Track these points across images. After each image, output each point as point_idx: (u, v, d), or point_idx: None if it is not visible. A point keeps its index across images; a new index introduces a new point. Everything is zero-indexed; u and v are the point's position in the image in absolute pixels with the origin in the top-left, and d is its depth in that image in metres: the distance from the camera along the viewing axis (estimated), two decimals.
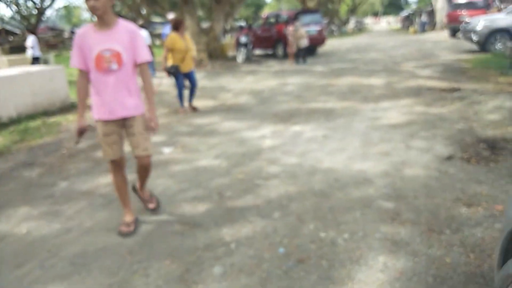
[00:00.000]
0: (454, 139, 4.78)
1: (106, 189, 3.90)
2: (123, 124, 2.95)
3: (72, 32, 48.68)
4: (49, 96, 7.80)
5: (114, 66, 2.77)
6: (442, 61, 12.32)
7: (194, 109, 7.31)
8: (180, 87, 7.04)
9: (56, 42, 36.30)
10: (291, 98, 8.10)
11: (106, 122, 2.89)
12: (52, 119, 7.11)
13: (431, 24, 31.61)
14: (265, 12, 33.12)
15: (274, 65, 14.65)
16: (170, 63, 6.83)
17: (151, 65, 12.31)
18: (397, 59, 13.71)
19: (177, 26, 6.83)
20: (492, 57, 12.00)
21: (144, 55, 2.88)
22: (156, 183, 3.92)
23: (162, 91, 9.77)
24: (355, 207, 3.21)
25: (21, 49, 26.25)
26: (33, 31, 14.91)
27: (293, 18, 16.40)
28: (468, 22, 14.95)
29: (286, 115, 6.58)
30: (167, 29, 9.75)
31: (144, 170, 3.15)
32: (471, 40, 14.21)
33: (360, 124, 5.68)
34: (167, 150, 4.97)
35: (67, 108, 7.98)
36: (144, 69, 2.92)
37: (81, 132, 2.97)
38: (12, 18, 48.06)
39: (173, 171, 4.27)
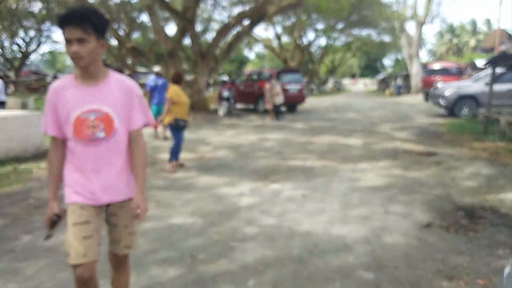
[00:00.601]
0: (432, 205, 4.76)
1: None
2: (104, 210, 2.21)
3: (55, 77, 48.83)
4: (23, 142, 7.56)
5: (100, 133, 2.03)
6: (417, 124, 12.70)
7: (181, 166, 6.89)
8: (179, 142, 6.61)
9: (38, 86, 36.48)
10: (271, 154, 8.09)
11: (82, 205, 2.08)
12: (24, 166, 6.82)
13: (406, 88, 33.05)
14: (248, 69, 34.13)
15: (255, 119, 14.81)
16: (170, 117, 6.47)
17: None
18: (374, 120, 14.08)
19: (178, 79, 6.72)
20: (466, 122, 12.48)
21: (147, 117, 2.21)
22: None
23: None
24: (335, 277, 3.06)
25: None
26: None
27: (275, 76, 16.89)
28: (436, 88, 15.91)
29: (265, 172, 6.51)
30: (151, 80, 9.77)
31: (119, 273, 2.36)
32: (439, 104, 15.07)
33: (339, 185, 5.64)
34: None
35: (41, 155, 7.70)
36: (140, 135, 2.20)
37: (54, 221, 2.09)
38: None
39: (144, 229, 4.06)
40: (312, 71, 44.52)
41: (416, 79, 29.96)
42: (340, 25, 37.87)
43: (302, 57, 38.96)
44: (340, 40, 46.32)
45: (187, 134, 10.84)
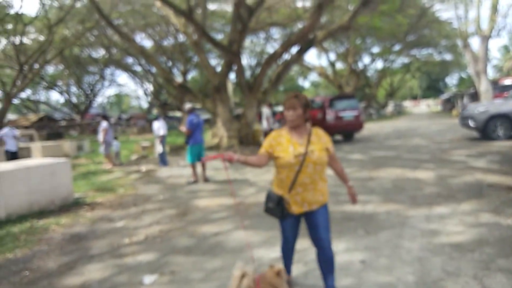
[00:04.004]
0: None
1: None
2: None
3: (119, 118, 51.00)
4: (48, 194, 6.95)
5: None
6: (497, 149, 10.80)
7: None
8: (286, 244, 3.24)
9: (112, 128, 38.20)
10: None
11: None
12: (43, 222, 6.13)
13: None
14: None
15: None
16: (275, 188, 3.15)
17: (163, 157, 11.48)
18: (444, 146, 12.31)
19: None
20: None
21: None
22: None
23: (174, 183, 8.76)
24: None
25: (58, 135, 27.13)
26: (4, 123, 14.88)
27: (328, 104, 15.72)
28: (465, 108, 14.31)
29: None
30: (194, 117, 8.77)
31: None
32: (468, 126, 13.41)
33: (411, 243, 4.26)
34: (147, 280, 3.72)
35: (68, 206, 7.05)
36: None
37: None
38: (63, 104, 51.61)
39: None
40: (369, 95, 42.72)
41: (486, 96, 27.21)
42: (397, 47, 36.13)
43: (358, 82, 37.47)
44: (398, 62, 44.36)
45: (230, 172, 9.78)
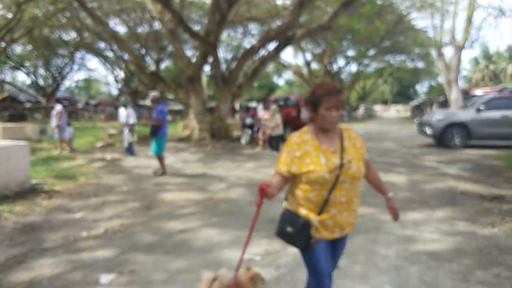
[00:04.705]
0: None
1: None
2: None
3: (87, 104, 49.33)
4: (3, 178, 6.39)
5: None
6: (467, 156, 10.96)
7: None
8: (321, 284, 2.33)
9: (68, 112, 36.91)
10: None
11: None
12: None
13: None
14: (274, 95, 33.02)
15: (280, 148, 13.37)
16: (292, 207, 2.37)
17: (130, 147, 11.03)
18: (415, 151, 12.42)
19: (314, 107, 2.27)
20: None
21: None
22: None
23: (140, 174, 8.36)
24: None
25: (22, 117, 25.91)
26: None
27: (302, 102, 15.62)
28: (423, 115, 14.88)
29: None
30: (164, 106, 8.28)
31: None
32: (425, 133, 13.87)
33: (387, 250, 4.09)
34: (104, 280, 3.38)
35: (24, 193, 6.53)
36: None
37: None
38: (29, 86, 49.60)
39: None
40: None
41: (455, 105, 27.91)
42: (372, 51, 36.55)
43: None
44: (372, 66, 45.02)
45: (200, 166, 9.40)
